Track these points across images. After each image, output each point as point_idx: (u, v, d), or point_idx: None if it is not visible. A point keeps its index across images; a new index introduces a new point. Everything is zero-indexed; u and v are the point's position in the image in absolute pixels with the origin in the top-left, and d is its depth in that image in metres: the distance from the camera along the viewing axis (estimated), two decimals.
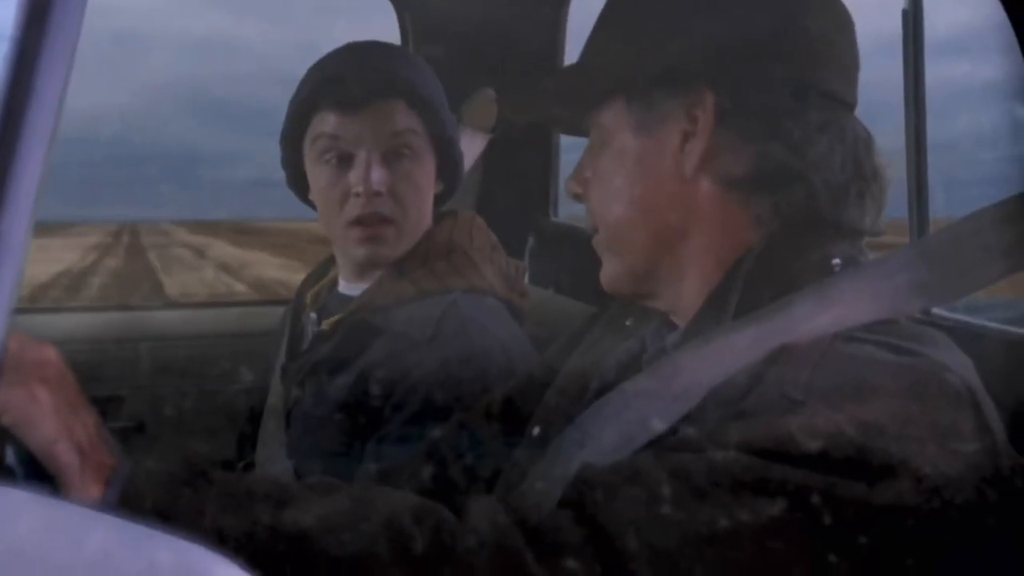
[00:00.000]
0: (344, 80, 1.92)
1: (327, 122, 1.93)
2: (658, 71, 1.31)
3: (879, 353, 1.12)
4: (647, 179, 1.33)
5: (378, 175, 1.90)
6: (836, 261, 1.26)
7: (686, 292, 1.34)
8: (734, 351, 1.19)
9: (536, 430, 1.45)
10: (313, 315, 2.10)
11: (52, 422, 1.10)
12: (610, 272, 1.40)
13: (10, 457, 1.09)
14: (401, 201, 1.93)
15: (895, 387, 1.08)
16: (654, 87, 1.31)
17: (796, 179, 1.28)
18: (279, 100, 2.04)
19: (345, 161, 1.93)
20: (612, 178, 1.35)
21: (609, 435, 1.20)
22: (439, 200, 2.05)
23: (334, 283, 2.12)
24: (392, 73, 1.93)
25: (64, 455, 1.09)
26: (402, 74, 1.93)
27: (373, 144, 1.92)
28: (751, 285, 1.26)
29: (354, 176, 1.91)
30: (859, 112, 1.34)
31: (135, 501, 1.07)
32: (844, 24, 1.34)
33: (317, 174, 1.97)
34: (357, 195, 1.91)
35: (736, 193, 1.30)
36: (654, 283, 1.36)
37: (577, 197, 1.42)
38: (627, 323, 1.51)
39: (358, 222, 1.93)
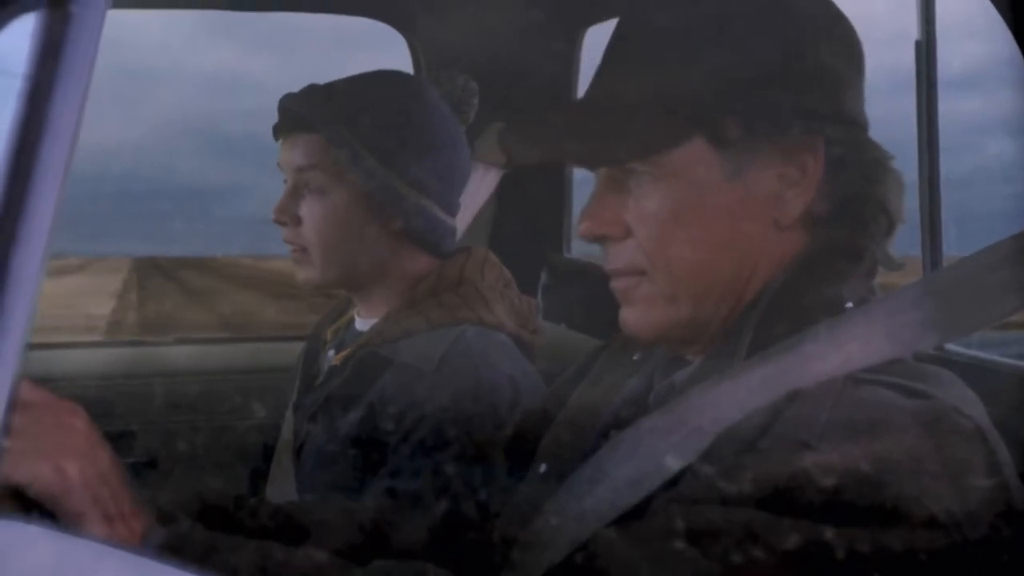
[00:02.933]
0: (279, 111, 2.02)
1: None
2: (759, 115, 1.27)
3: (891, 396, 1.12)
4: (735, 226, 1.28)
5: (280, 204, 2.00)
6: (849, 304, 1.25)
7: (706, 334, 1.33)
8: (747, 390, 1.18)
9: (543, 467, 1.44)
10: (331, 352, 2.10)
11: (80, 496, 1.09)
12: (660, 318, 1.32)
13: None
14: (308, 231, 1.99)
15: (908, 431, 1.08)
16: (751, 131, 1.27)
17: (845, 214, 1.28)
18: None
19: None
20: (684, 223, 1.28)
21: (623, 472, 1.19)
22: (418, 238, 2.02)
23: (352, 321, 2.12)
24: (300, 107, 1.98)
25: (92, 528, 1.08)
26: (309, 110, 1.97)
27: (288, 175, 2.01)
28: (766, 321, 1.26)
29: None
30: None
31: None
32: (855, 44, 1.34)
33: None
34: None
35: (809, 234, 1.30)
36: (697, 329, 1.32)
37: (598, 239, 1.34)
38: (634, 358, 1.49)
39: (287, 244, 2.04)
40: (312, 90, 2.00)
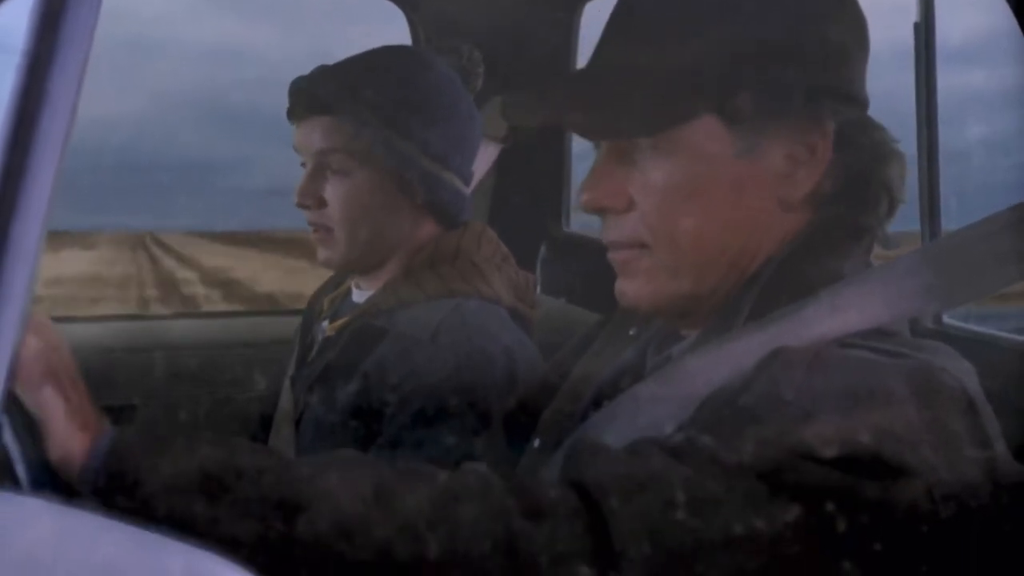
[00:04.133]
0: (292, 94, 2.02)
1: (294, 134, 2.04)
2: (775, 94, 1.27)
3: (872, 356, 1.13)
4: (741, 203, 1.29)
5: (303, 188, 2.00)
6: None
7: (704, 308, 1.33)
8: (741, 356, 1.19)
9: (536, 442, 1.44)
10: (325, 323, 2.11)
11: (38, 366, 1.11)
12: (659, 291, 1.32)
13: (18, 465, 1.09)
14: (333, 211, 1.99)
15: (887, 386, 1.09)
16: (763, 109, 1.26)
17: (850, 195, 1.29)
18: None
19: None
20: (690, 198, 1.28)
21: (620, 440, 1.20)
22: (440, 210, 2.03)
23: (349, 291, 2.13)
24: (317, 90, 1.98)
25: (51, 400, 1.10)
26: (327, 92, 1.97)
27: (308, 158, 2.01)
28: (764, 298, 1.26)
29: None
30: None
31: (149, 507, 1.06)
32: (862, 23, 1.34)
33: None
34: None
35: (814, 213, 1.30)
36: (696, 304, 1.33)
37: (600, 210, 1.33)
38: (630, 332, 1.49)
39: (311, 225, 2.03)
40: (326, 71, 2.00)
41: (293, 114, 2.03)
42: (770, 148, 1.27)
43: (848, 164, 1.28)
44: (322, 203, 1.99)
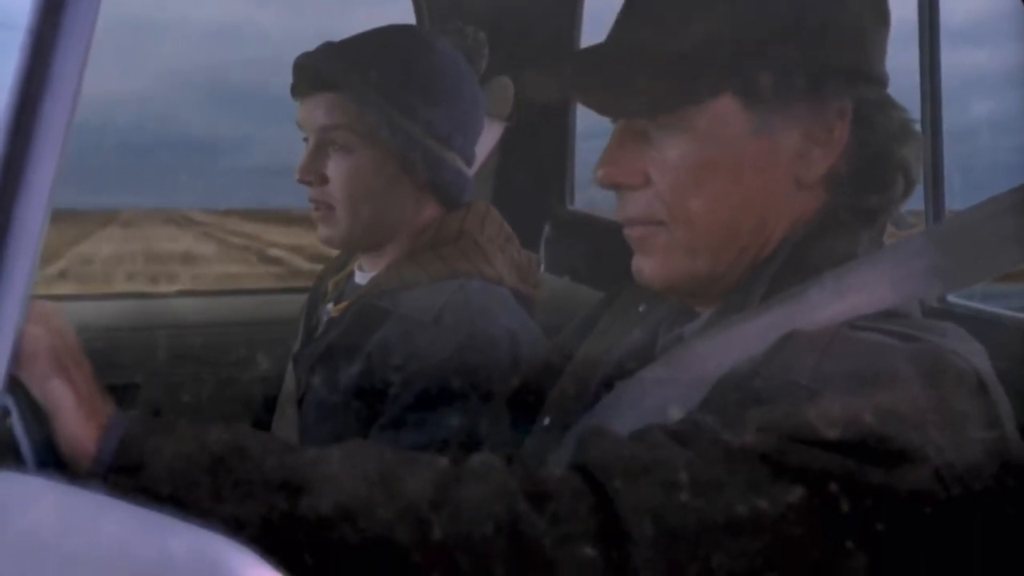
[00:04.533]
0: (296, 70, 2.02)
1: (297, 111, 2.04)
2: (794, 73, 1.26)
3: (885, 340, 1.13)
4: (758, 182, 1.29)
5: (305, 164, 2.00)
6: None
7: (719, 287, 1.33)
8: (752, 338, 1.19)
9: (546, 420, 1.44)
10: (329, 305, 2.11)
11: (46, 357, 1.10)
12: (677, 269, 1.32)
13: (24, 447, 1.09)
14: (335, 189, 1.99)
15: (900, 370, 1.08)
16: (781, 88, 1.26)
17: (867, 175, 1.28)
18: None
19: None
20: (707, 176, 1.28)
21: (627, 423, 1.20)
22: (442, 190, 2.03)
23: (353, 274, 2.13)
24: (322, 66, 1.98)
25: (58, 391, 1.09)
26: (332, 69, 1.96)
27: (311, 134, 2.01)
28: (779, 276, 1.26)
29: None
30: None
31: (153, 485, 1.07)
32: (886, 3, 1.34)
33: None
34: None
35: (830, 194, 1.30)
36: (712, 283, 1.33)
37: (616, 186, 1.33)
38: (640, 309, 1.49)
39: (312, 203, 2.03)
40: (331, 48, 2.00)
41: (297, 90, 2.03)
42: (787, 128, 1.27)
43: (865, 144, 1.28)
44: (324, 180, 1.99)
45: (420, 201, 2.02)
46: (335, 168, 1.98)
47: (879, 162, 1.29)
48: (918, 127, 1.33)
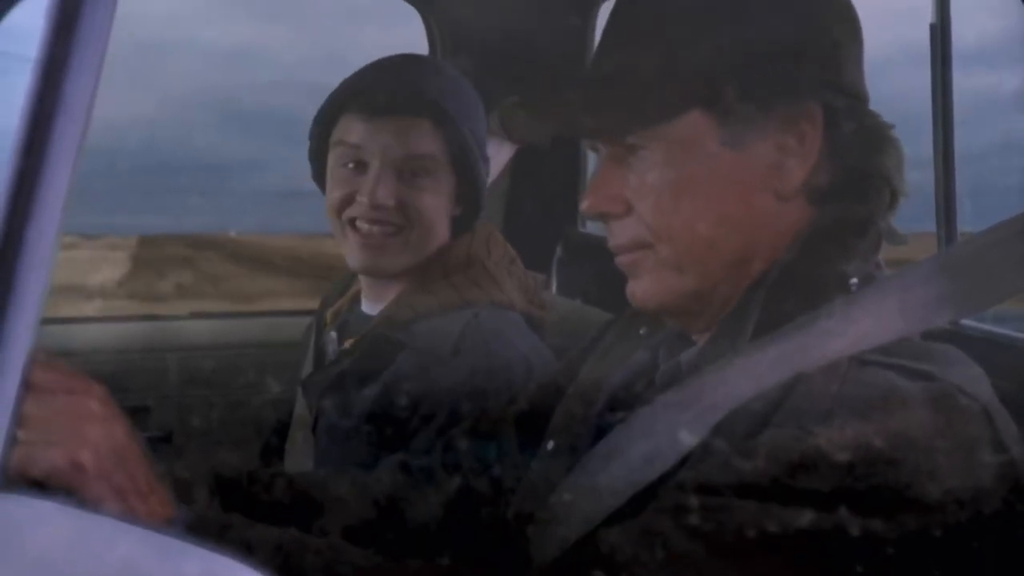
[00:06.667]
0: (373, 90, 1.94)
1: (351, 129, 1.95)
2: (761, 82, 1.26)
3: (894, 379, 1.12)
4: (735, 196, 1.28)
5: (386, 189, 1.92)
6: (854, 281, 1.25)
7: (712, 308, 1.33)
8: (762, 366, 1.18)
9: (550, 444, 1.44)
10: (333, 334, 2.10)
11: (96, 484, 1.08)
12: (666, 289, 1.31)
13: None
14: (407, 216, 1.94)
15: (911, 414, 1.08)
16: (749, 100, 1.26)
17: (848, 187, 1.28)
18: (306, 109, 2.05)
19: (361, 168, 1.94)
20: (684, 193, 1.28)
21: (638, 449, 1.20)
22: (459, 223, 2.03)
23: (355, 300, 2.12)
24: (420, 91, 1.93)
25: (111, 508, 1.07)
26: (430, 94, 1.93)
27: (390, 158, 1.92)
28: (771, 300, 1.26)
29: (364, 183, 1.92)
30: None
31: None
32: (851, 15, 1.34)
33: (334, 177, 1.99)
34: (362, 201, 1.93)
35: (814, 208, 1.29)
36: (703, 302, 1.32)
37: (601, 216, 1.34)
38: (640, 332, 1.49)
39: (359, 224, 1.95)
40: (414, 71, 1.99)
41: (376, 110, 1.94)
42: (759, 139, 1.26)
43: (840, 152, 1.27)
44: (402, 204, 1.93)
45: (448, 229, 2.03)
46: (411, 195, 1.94)
47: (858, 171, 1.28)
48: (894, 134, 1.33)
